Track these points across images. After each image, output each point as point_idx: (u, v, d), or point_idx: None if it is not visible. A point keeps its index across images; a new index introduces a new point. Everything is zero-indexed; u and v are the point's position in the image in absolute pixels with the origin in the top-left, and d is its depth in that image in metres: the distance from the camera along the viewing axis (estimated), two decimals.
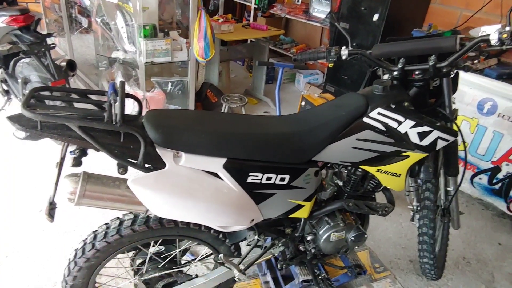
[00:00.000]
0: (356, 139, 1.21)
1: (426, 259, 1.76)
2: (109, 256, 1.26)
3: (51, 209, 1.07)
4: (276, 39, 5.09)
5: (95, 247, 1.21)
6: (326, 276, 1.60)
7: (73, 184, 1.01)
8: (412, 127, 1.20)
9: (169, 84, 3.17)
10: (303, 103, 2.75)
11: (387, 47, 1.25)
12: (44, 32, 2.69)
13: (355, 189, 1.38)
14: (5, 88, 2.91)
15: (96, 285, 1.38)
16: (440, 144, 1.24)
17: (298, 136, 1.18)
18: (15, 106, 3.09)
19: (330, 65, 1.38)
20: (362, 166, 1.28)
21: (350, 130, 1.20)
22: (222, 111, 3.05)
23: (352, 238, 1.40)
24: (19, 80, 2.52)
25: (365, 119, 1.20)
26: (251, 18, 5.00)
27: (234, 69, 5.03)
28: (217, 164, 1.09)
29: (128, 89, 3.00)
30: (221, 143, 1.09)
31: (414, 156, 1.25)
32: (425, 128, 1.20)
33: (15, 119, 0.94)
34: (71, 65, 2.71)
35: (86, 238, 1.23)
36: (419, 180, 1.63)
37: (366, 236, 1.43)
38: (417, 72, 1.25)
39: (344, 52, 1.32)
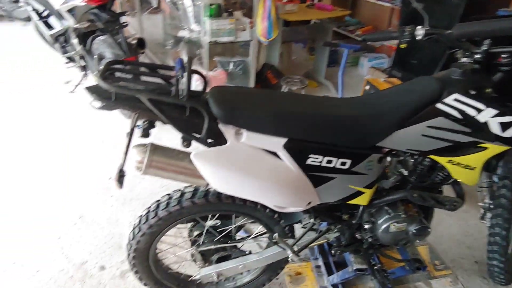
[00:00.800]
0: (427, 126, 1.12)
1: (496, 262, 1.62)
2: (170, 225, 1.32)
3: (120, 176, 1.14)
4: (341, 20, 4.88)
5: (157, 215, 1.27)
6: (382, 267, 1.54)
7: (141, 154, 1.07)
8: (494, 116, 1.08)
9: (231, 64, 3.20)
10: (367, 87, 2.62)
11: (471, 26, 1.12)
12: (118, 11, 2.84)
13: (421, 179, 1.29)
14: (83, 64, 3.15)
15: (157, 251, 1.46)
16: None
17: (363, 120, 1.13)
18: (91, 81, 3.35)
19: (402, 46, 1.29)
20: (431, 156, 1.19)
21: (421, 116, 1.12)
22: None
23: (414, 231, 1.33)
24: (95, 56, 2.71)
25: (439, 105, 1.10)
26: None
27: (295, 51, 4.94)
28: (277, 143, 1.08)
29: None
30: (282, 122, 1.07)
31: (493, 149, 1.14)
32: (510, 118, 1.08)
33: (92, 89, 1.00)
34: (141, 43, 2.85)
35: (150, 207, 1.31)
36: (494, 176, 1.48)
37: (429, 230, 1.35)
38: (504, 56, 1.12)
39: (420, 31, 1.22)
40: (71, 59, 3.28)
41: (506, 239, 1.53)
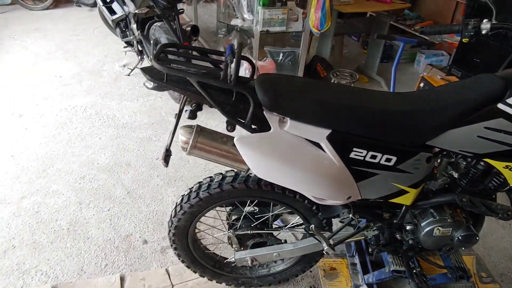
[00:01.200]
0: (485, 127, 1.05)
1: None
2: (210, 206, 1.37)
3: (167, 155, 1.20)
4: (399, 13, 4.64)
5: (198, 196, 1.32)
6: (421, 271, 1.48)
7: (187, 135, 1.11)
8: None
9: (281, 55, 3.19)
10: (421, 85, 2.49)
11: None
12: None
13: (473, 184, 1.22)
14: (140, 48, 3.31)
15: (196, 230, 1.52)
16: None
17: (414, 116, 1.08)
18: (147, 65, 3.50)
19: (465, 40, 1.21)
20: (487, 159, 1.11)
21: (479, 116, 1.05)
22: None
23: (460, 237, 1.25)
24: (152, 42, 2.83)
25: (501, 105, 1.02)
26: None
27: (347, 44, 4.80)
28: (321, 134, 1.07)
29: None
30: (327, 113, 1.06)
31: None
32: None
33: (146, 70, 1.06)
34: (195, 30, 2.93)
35: (192, 187, 1.36)
36: None
37: (477, 238, 1.27)
38: None
39: (486, 25, 1.14)
40: (129, 44, 3.47)
41: None
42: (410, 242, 1.33)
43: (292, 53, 3.21)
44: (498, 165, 1.11)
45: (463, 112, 1.05)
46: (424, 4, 4.73)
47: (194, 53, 1.23)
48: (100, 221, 2.05)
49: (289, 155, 1.08)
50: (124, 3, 3.13)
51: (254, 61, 2.99)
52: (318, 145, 1.09)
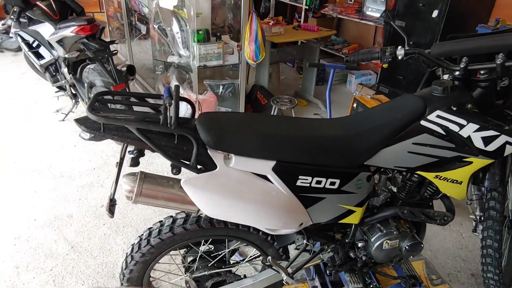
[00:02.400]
0: (413, 143, 1.15)
1: (491, 274, 1.62)
2: (163, 252, 1.31)
3: (111, 205, 1.14)
4: (327, 39, 5.00)
5: (150, 243, 1.27)
6: (378, 285, 1.53)
7: (131, 183, 1.07)
8: (476, 131, 1.11)
9: (221, 87, 3.25)
10: (355, 105, 2.67)
11: (448, 45, 1.17)
12: (108, 39, 2.89)
13: (411, 195, 1.31)
14: (74, 92, 3.17)
15: (151, 279, 1.45)
16: (509, 150, 1.14)
17: (350, 139, 1.15)
18: (82, 109, 3.35)
19: (385, 66, 1.33)
20: (419, 172, 1.21)
21: (406, 134, 1.14)
22: (272, 113, 3.06)
23: (407, 247, 1.33)
24: (85, 85, 2.73)
25: (423, 122, 1.13)
26: (302, 19, 4.96)
27: (284, 71, 5.03)
28: (266, 166, 1.10)
29: (181, 92, 3.13)
30: (270, 145, 1.09)
31: (478, 163, 1.16)
32: (491, 133, 1.11)
33: (81, 121, 1.02)
34: (131, 70, 2.89)
35: (142, 234, 1.30)
36: (483, 188, 1.51)
37: (422, 245, 1.35)
38: (482, 72, 1.16)
39: (400, 51, 1.26)
40: (61, 88, 3.32)
41: (499, 251, 1.53)
42: (364, 258, 1.38)
43: (231, 85, 3.28)
44: (429, 176, 1.21)
45: (392, 131, 1.15)
46: (347, 30, 5.14)
47: (132, 98, 1.21)
48: (42, 283, 1.86)
49: (237, 191, 1.08)
50: (52, 47, 3.00)
51: (194, 97, 3.00)
52: (265, 177, 1.11)
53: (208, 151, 1.06)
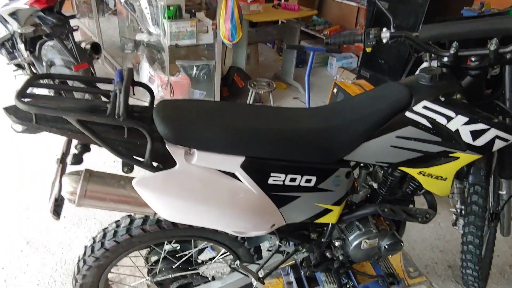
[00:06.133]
0: (396, 136, 1.04)
1: (470, 271, 1.57)
2: (119, 256, 1.18)
3: (57, 206, 0.99)
4: (308, 20, 4.83)
5: (104, 246, 1.13)
6: (355, 285, 1.46)
7: (73, 184, 0.92)
8: (465, 124, 1.01)
9: (194, 68, 3.06)
10: (335, 90, 2.55)
11: (438, 28, 1.05)
12: (69, 14, 2.62)
13: (392, 192, 1.21)
14: (33, 70, 2.91)
15: (109, 282, 1.31)
16: (498, 144, 1.04)
17: (328, 132, 1.03)
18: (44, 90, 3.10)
19: (368, 49, 1.20)
20: (402, 168, 1.11)
21: (389, 126, 1.03)
22: (249, 97, 2.90)
23: (386, 246, 1.25)
24: (44, 63, 2.49)
25: (408, 114, 1.02)
26: None
27: (263, 52, 4.85)
28: (234, 163, 0.97)
29: (152, 73, 2.92)
30: (238, 139, 0.95)
31: (465, 158, 1.07)
32: (481, 126, 1.01)
33: (11, 110, 0.85)
34: (96, 48, 2.64)
35: (96, 236, 1.16)
36: (465, 182, 1.43)
37: (402, 244, 1.27)
38: (473, 59, 1.05)
39: (385, 34, 1.14)
40: (19, 66, 3.04)
41: (480, 247, 1.48)
42: (341, 258, 1.29)
43: (206, 66, 3.09)
44: (413, 172, 1.11)
45: (375, 123, 1.03)
46: (329, 10, 4.97)
47: (77, 83, 1.04)
48: None
49: (200, 191, 0.95)
50: (7, 21, 2.72)
51: (165, 81, 2.81)
52: (232, 175, 0.98)
53: (166, 146, 0.92)
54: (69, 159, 0.89)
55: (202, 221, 1.00)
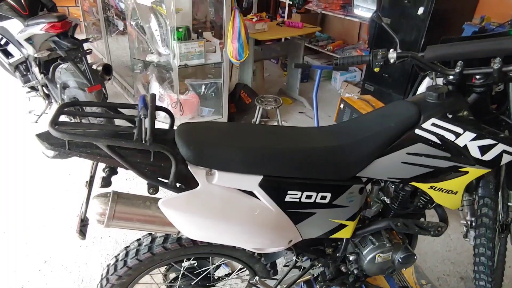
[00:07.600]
0: (407, 153, 1.08)
1: (483, 282, 1.58)
2: (141, 273, 1.21)
3: (83, 226, 1.03)
4: (311, 36, 4.92)
5: (126, 264, 1.17)
6: None
7: (102, 205, 0.96)
8: (473, 139, 1.05)
9: (203, 86, 3.13)
10: (342, 106, 2.60)
11: (443, 49, 1.10)
12: (82, 36, 2.72)
13: (404, 206, 1.25)
14: (46, 92, 2.99)
15: None
16: (506, 158, 1.08)
17: (341, 150, 1.07)
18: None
19: (376, 69, 1.25)
20: (413, 183, 1.15)
21: (400, 143, 1.08)
22: (256, 113, 2.96)
23: (400, 259, 1.27)
24: (58, 85, 2.57)
25: (417, 131, 1.06)
26: (286, 15, 4.87)
27: (268, 68, 4.93)
28: (252, 182, 1.01)
29: (162, 92, 3.00)
30: (256, 159, 1.00)
31: (474, 172, 1.10)
32: (488, 141, 1.05)
33: (43, 137, 0.90)
34: (107, 69, 2.73)
35: (118, 255, 1.20)
36: (475, 194, 1.46)
37: (415, 257, 1.29)
38: (478, 77, 1.10)
39: (392, 55, 1.19)
40: (33, 88, 3.13)
41: (492, 259, 1.49)
42: (355, 271, 1.32)
43: (214, 84, 3.16)
44: (424, 186, 1.15)
45: (386, 141, 1.08)
46: (332, 26, 5.07)
47: (102, 109, 1.10)
48: None
49: (221, 210, 0.99)
50: (22, 46, 2.82)
51: (175, 97, 2.88)
52: (251, 193, 1.02)
53: (189, 167, 0.97)
54: (97, 182, 0.94)
55: (223, 238, 1.04)
